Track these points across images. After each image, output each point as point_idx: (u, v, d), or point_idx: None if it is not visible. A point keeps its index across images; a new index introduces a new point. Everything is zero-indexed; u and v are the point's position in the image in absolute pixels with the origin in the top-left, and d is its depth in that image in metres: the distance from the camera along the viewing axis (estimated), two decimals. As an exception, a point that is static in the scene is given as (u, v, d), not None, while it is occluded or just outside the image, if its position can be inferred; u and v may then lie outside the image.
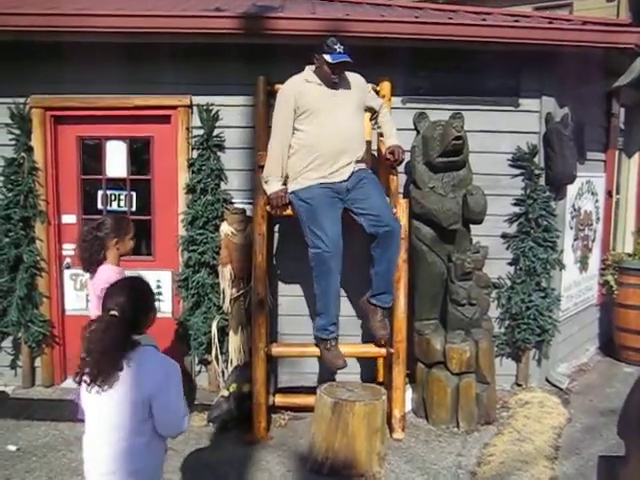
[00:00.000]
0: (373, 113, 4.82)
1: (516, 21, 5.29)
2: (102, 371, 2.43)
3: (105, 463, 2.50)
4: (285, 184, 4.61)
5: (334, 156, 4.46)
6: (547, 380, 5.84)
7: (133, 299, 2.59)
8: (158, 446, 2.63)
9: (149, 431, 2.53)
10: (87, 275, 4.02)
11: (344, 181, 4.50)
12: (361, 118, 4.69)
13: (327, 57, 4.34)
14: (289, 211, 4.67)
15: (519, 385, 5.70)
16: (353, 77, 4.63)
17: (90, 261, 3.81)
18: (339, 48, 4.34)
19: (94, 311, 3.75)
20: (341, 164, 4.49)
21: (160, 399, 2.49)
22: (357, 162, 4.58)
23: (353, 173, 4.53)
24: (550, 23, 5.22)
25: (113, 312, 2.50)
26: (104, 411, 2.49)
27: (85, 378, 2.46)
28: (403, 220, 4.68)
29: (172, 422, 2.58)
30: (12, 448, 4.58)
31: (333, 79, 4.44)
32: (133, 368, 2.46)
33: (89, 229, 3.87)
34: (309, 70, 4.56)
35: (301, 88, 4.49)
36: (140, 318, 2.61)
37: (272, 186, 4.55)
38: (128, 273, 4.96)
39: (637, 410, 1.26)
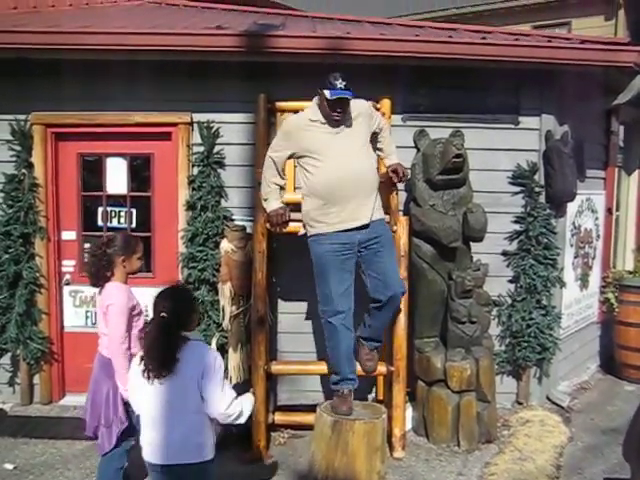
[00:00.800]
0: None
1: (516, 40, 5.32)
2: (161, 364, 2.91)
3: (171, 442, 2.96)
4: (285, 201, 4.58)
5: (342, 203, 4.22)
6: (548, 398, 5.81)
7: (178, 302, 3.07)
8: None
9: (205, 411, 3.01)
10: (95, 290, 4.08)
11: (358, 229, 4.25)
12: (370, 152, 4.44)
13: (326, 93, 4.11)
14: (289, 228, 4.66)
15: (520, 403, 5.67)
16: (357, 105, 4.33)
17: (97, 276, 3.81)
18: (340, 84, 4.10)
19: (101, 325, 3.83)
20: (351, 209, 4.23)
21: (208, 384, 2.95)
22: (375, 208, 4.33)
23: (371, 223, 4.28)
24: (549, 42, 5.25)
25: (163, 314, 2.97)
26: (166, 397, 2.95)
27: (148, 373, 2.93)
28: (403, 238, 4.67)
29: (219, 404, 2.98)
30: (9, 467, 4.55)
31: (334, 117, 4.20)
32: (185, 359, 2.93)
33: (98, 245, 3.91)
34: (315, 105, 4.31)
35: (304, 129, 4.29)
36: (184, 318, 3.07)
37: (271, 204, 4.47)
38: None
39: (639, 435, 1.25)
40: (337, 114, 4.18)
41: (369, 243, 4.29)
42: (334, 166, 4.18)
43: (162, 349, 2.92)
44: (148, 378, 2.95)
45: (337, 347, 4.40)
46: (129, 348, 3.69)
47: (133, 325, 3.74)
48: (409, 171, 4.63)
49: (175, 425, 2.96)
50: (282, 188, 4.62)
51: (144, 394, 3.02)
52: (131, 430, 3.73)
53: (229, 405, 3.01)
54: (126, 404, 3.66)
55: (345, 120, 4.26)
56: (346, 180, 4.18)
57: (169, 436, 2.97)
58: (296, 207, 4.61)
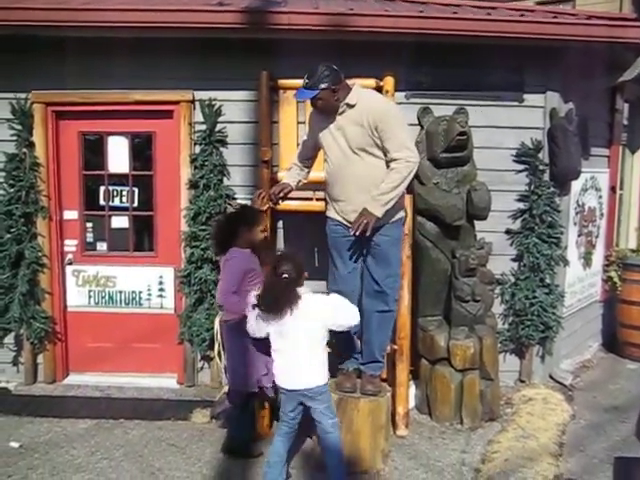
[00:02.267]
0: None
1: (521, 15, 5.26)
2: (275, 304, 3.67)
3: (301, 366, 3.74)
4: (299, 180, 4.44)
5: (337, 196, 4.14)
6: (551, 377, 5.82)
7: (296, 266, 3.74)
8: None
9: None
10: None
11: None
12: (367, 159, 4.00)
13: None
14: (292, 207, 4.67)
15: (523, 381, 5.68)
16: (366, 105, 3.94)
17: (222, 245, 4.25)
18: (306, 82, 3.92)
19: (226, 286, 4.16)
20: (346, 210, 4.10)
21: (333, 322, 3.82)
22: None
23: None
24: (555, 17, 5.18)
25: (285, 275, 3.68)
26: (291, 343, 3.73)
27: (265, 314, 3.73)
28: (407, 216, 4.64)
29: (351, 320, 3.88)
30: (14, 445, 4.57)
31: (315, 110, 4.07)
32: (303, 312, 3.68)
33: (225, 215, 4.54)
34: None
35: (317, 119, 4.16)
36: (300, 278, 3.78)
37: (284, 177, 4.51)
38: (131, 269, 5.09)
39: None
40: (315, 108, 4.09)
41: (365, 245, 4.20)
42: (332, 163, 4.10)
43: (284, 304, 3.65)
44: (271, 319, 3.71)
45: None
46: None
47: (246, 287, 4.08)
48: (369, 227, 3.91)
49: (301, 362, 3.73)
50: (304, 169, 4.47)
51: (277, 337, 3.79)
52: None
53: (354, 316, 3.89)
54: None
55: (347, 115, 3.98)
56: (338, 182, 4.10)
57: (298, 364, 3.75)
58: (314, 186, 4.61)
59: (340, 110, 3.98)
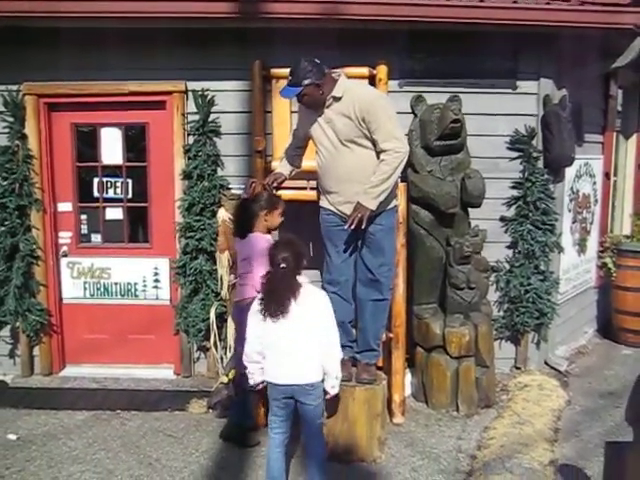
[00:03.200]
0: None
1: (514, 2, 5.22)
2: (284, 308, 3.45)
3: (296, 359, 3.51)
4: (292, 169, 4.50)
5: (329, 187, 4.15)
6: (546, 363, 5.85)
7: (293, 253, 3.52)
8: None
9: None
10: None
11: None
12: (357, 150, 3.99)
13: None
14: (287, 196, 4.66)
15: (518, 368, 5.70)
16: (352, 97, 3.92)
17: (243, 227, 4.35)
18: (289, 79, 3.93)
19: (244, 268, 4.32)
20: (336, 198, 4.13)
21: (326, 325, 3.58)
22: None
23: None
24: (548, 4, 5.16)
25: (282, 265, 3.47)
26: (287, 334, 3.48)
27: (271, 313, 3.47)
28: (401, 204, 4.63)
29: (333, 338, 3.63)
30: (12, 437, 4.58)
31: (306, 104, 4.06)
32: (302, 302, 3.48)
33: (245, 199, 4.52)
34: None
35: (306, 110, 4.16)
36: (299, 265, 3.56)
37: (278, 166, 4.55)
38: (126, 260, 5.11)
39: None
40: (303, 104, 4.10)
41: (359, 234, 4.18)
42: (323, 156, 4.10)
43: (284, 296, 3.46)
44: (271, 317, 3.47)
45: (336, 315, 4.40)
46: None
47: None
48: (364, 220, 3.93)
49: (298, 355, 3.51)
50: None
51: (267, 330, 3.52)
52: None
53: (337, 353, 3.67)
54: None
55: (335, 108, 3.97)
56: (329, 174, 4.10)
57: (292, 359, 3.52)
58: (308, 175, 4.61)
59: (327, 103, 3.98)
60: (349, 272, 4.31)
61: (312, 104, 4.02)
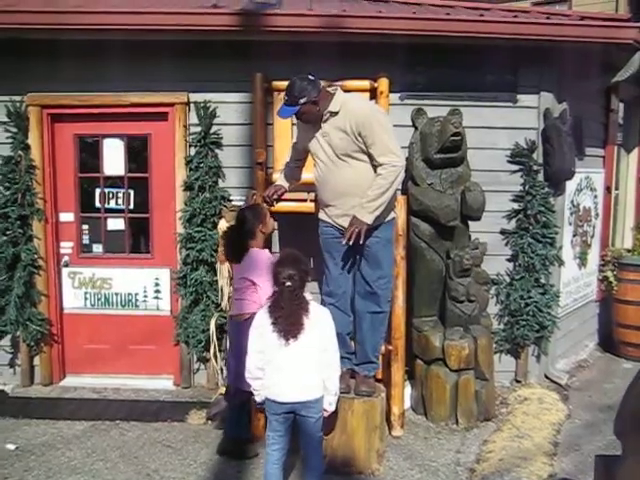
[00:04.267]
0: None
1: (514, 17, 5.26)
2: (300, 327, 3.42)
3: (300, 376, 3.48)
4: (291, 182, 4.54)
5: (328, 201, 4.17)
6: (546, 376, 5.83)
7: (299, 271, 3.46)
8: None
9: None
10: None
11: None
12: (354, 164, 4.00)
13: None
14: (286, 208, 4.72)
15: (518, 381, 5.69)
16: (348, 112, 3.96)
17: (238, 253, 4.33)
18: (285, 99, 3.98)
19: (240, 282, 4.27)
20: (335, 214, 4.14)
21: (329, 342, 3.57)
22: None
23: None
24: (548, 18, 5.20)
25: (288, 283, 3.42)
26: (292, 351, 3.43)
27: (287, 333, 3.40)
28: (401, 217, 4.65)
29: (335, 355, 3.63)
30: (11, 447, 4.57)
31: (304, 121, 4.12)
32: (311, 320, 3.45)
33: (232, 229, 4.48)
34: None
35: (304, 125, 4.20)
36: (305, 282, 3.51)
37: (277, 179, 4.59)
38: (127, 270, 5.13)
39: (633, 412, 1.26)
40: (301, 121, 4.14)
41: (357, 247, 4.16)
42: (320, 169, 4.13)
43: (298, 314, 3.43)
44: (285, 339, 3.42)
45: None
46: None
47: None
48: (362, 235, 3.94)
49: (302, 372, 3.47)
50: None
51: (270, 345, 3.47)
52: None
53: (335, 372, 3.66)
54: None
55: (332, 122, 4.00)
56: (327, 188, 4.13)
57: (296, 380, 3.47)
58: (308, 187, 4.62)
59: (324, 118, 4.01)
60: (347, 284, 4.32)
61: (309, 120, 4.06)
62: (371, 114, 4.02)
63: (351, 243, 3.96)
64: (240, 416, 4.47)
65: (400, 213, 4.67)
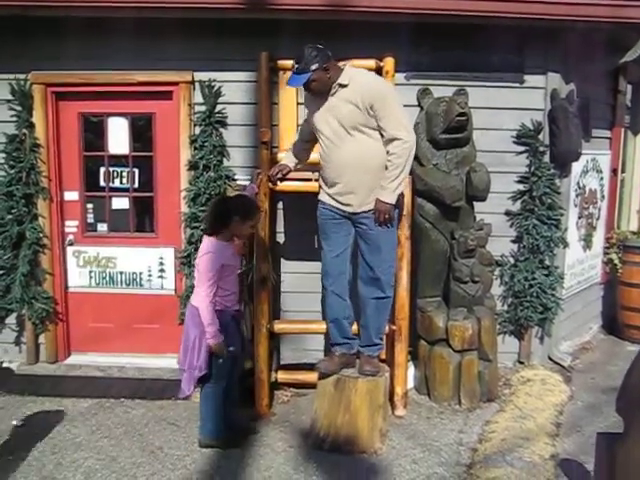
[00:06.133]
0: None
1: (521, -5, 5.21)
2: None
3: None
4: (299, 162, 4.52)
5: (332, 178, 4.09)
6: (549, 358, 5.84)
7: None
8: None
9: None
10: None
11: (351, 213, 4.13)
12: (361, 139, 3.94)
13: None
14: (291, 187, 4.72)
15: (521, 363, 5.70)
16: (359, 84, 3.90)
17: (211, 225, 4.14)
18: (295, 67, 3.90)
19: (204, 290, 4.02)
20: (339, 192, 4.09)
21: None
22: (364, 199, 4.03)
23: (361, 213, 4.07)
24: (556, -3, 5.14)
25: None
26: None
27: None
28: (406, 197, 4.63)
29: None
30: (17, 423, 4.62)
31: (309, 93, 4.05)
32: None
33: (223, 198, 4.53)
34: None
35: (310, 97, 4.14)
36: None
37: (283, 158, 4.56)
38: (131, 249, 5.11)
39: (635, 389, 1.26)
40: (309, 91, 4.06)
41: (358, 229, 4.17)
42: (325, 145, 4.07)
43: None
44: None
45: (326, 311, 4.48)
46: (214, 303, 4.03)
47: (221, 282, 4.06)
48: (391, 214, 4.01)
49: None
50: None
51: None
52: (212, 377, 4.16)
53: None
54: (211, 354, 4.06)
55: (341, 94, 3.93)
56: (332, 164, 4.05)
57: None
58: (313, 167, 4.58)
59: (332, 91, 3.96)
60: (344, 266, 4.29)
61: (319, 90, 3.98)
62: (383, 87, 4.02)
63: (381, 228, 4.00)
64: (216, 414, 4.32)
65: (405, 193, 4.66)
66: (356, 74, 3.99)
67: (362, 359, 4.40)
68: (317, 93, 4.02)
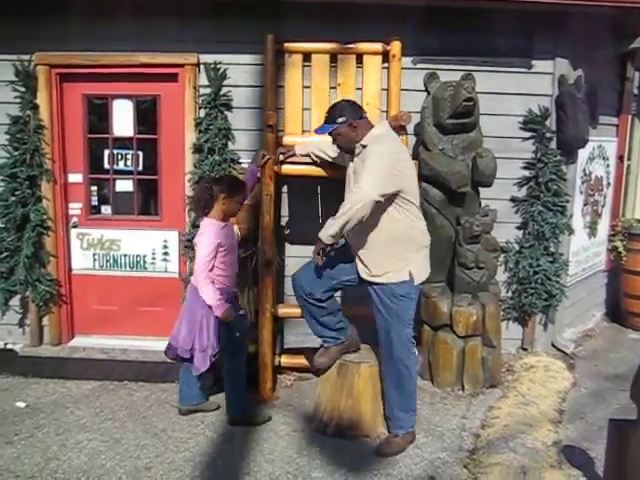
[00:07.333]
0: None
1: (530, -21, 5.15)
2: None
3: None
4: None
5: (348, 238, 4.06)
6: (553, 345, 5.84)
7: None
8: None
9: None
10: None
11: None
12: (374, 210, 3.73)
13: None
14: (296, 171, 4.70)
15: (525, 349, 5.70)
16: (367, 152, 3.83)
17: (198, 207, 4.27)
18: (325, 116, 3.95)
19: (200, 267, 4.09)
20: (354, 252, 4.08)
21: None
22: (370, 269, 4.00)
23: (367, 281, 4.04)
24: (564, -19, 5.09)
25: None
26: None
27: None
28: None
29: None
30: (21, 405, 4.63)
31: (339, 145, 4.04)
32: None
33: (207, 179, 4.47)
34: None
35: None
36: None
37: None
38: (135, 232, 5.12)
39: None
40: (334, 143, 4.06)
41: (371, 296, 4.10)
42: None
43: None
44: None
45: (304, 311, 4.41)
46: (212, 281, 4.10)
47: (218, 261, 4.13)
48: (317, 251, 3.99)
49: None
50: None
51: None
52: (232, 356, 4.29)
53: None
54: (225, 330, 4.16)
55: (359, 158, 3.88)
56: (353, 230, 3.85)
57: None
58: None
59: (357, 151, 3.89)
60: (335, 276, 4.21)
61: (344, 145, 3.94)
62: (374, 152, 3.78)
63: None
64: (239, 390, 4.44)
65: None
66: (373, 138, 3.84)
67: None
68: (342, 149, 4.00)
